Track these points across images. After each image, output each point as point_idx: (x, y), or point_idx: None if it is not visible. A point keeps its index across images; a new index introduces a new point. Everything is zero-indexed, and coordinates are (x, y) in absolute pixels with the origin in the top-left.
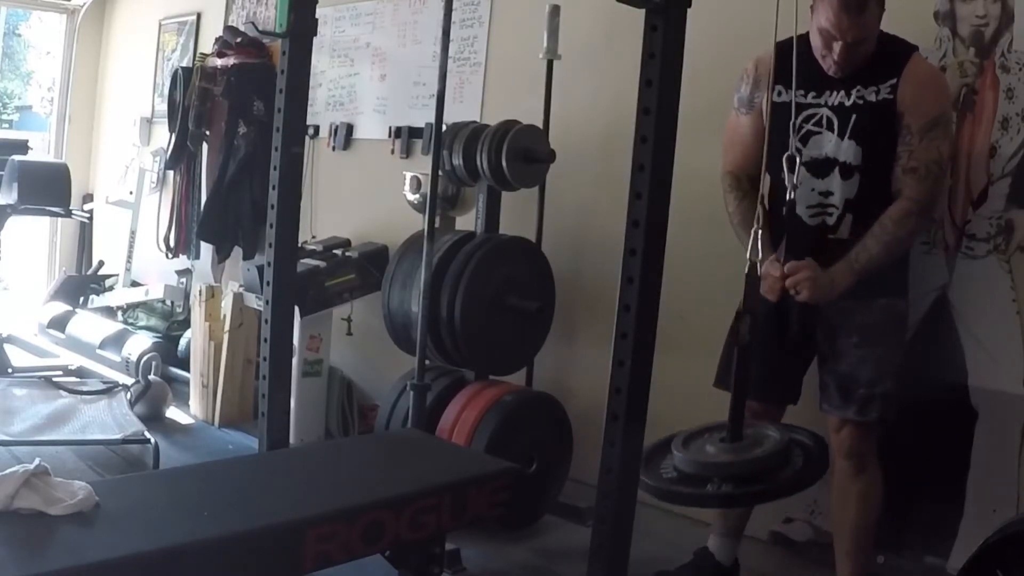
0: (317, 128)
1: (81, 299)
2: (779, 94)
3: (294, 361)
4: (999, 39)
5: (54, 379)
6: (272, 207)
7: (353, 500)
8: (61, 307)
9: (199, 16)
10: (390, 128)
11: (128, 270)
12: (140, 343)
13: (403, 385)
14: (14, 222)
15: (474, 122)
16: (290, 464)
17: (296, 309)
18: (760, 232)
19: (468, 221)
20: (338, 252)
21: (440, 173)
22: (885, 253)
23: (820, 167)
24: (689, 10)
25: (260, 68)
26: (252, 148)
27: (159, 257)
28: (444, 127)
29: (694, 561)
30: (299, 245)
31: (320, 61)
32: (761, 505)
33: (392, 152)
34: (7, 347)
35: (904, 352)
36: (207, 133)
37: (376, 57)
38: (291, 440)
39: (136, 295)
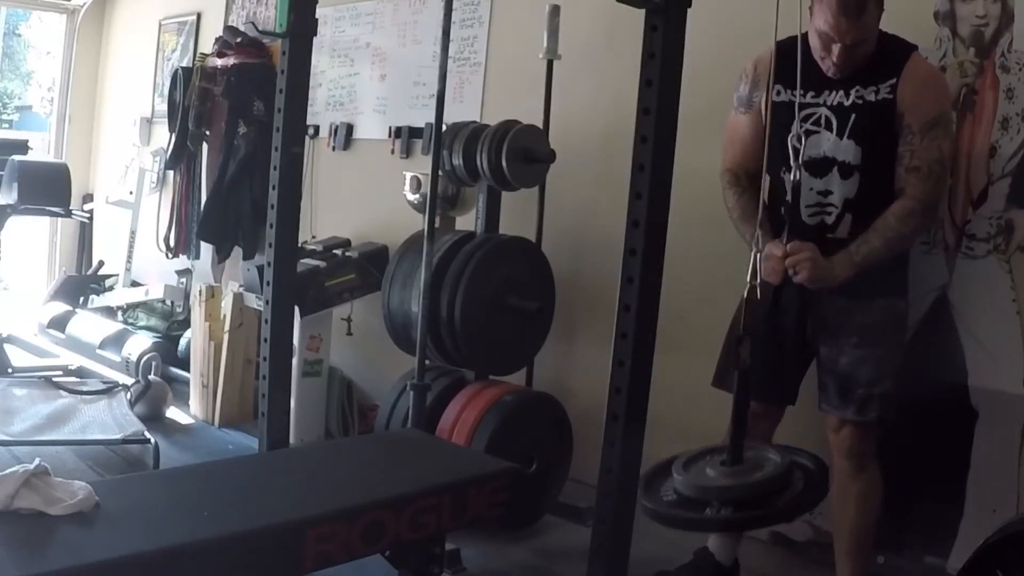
0: (317, 128)
1: (81, 299)
2: (778, 93)
3: (294, 361)
4: (999, 39)
5: (54, 379)
6: (272, 207)
7: (353, 500)
8: (61, 307)
9: (199, 16)
10: (390, 128)
11: (128, 270)
12: (140, 343)
13: (403, 385)
14: (14, 222)
15: (474, 122)
16: (290, 464)
17: (296, 309)
18: (759, 254)
19: (468, 221)
20: (338, 252)
21: (440, 173)
22: (886, 249)
23: (819, 166)
24: (689, 10)
25: (260, 68)
26: (252, 148)
27: (159, 257)
28: (444, 127)
29: (694, 561)
30: (299, 245)
31: (320, 61)
32: None
33: (392, 152)
34: (7, 347)
35: (904, 352)
36: (207, 133)
37: (376, 57)
38: (291, 440)
39: (136, 295)
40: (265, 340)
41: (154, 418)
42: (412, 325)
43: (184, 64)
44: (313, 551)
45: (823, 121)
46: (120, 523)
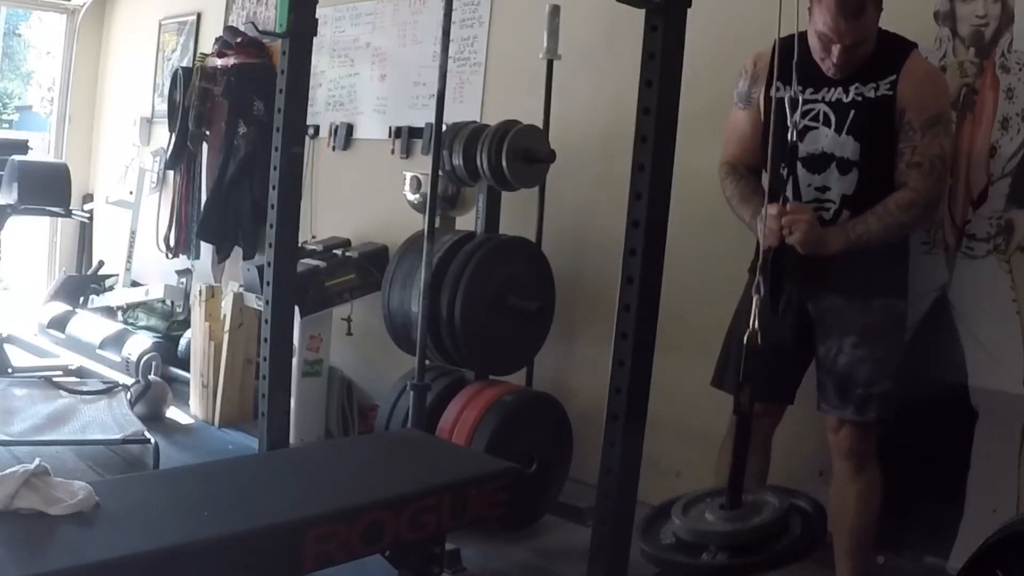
0: (317, 128)
1: (81, 299)
2: (777, 90)
3: (294, 361)
4: (999, 39)
5: (54, 379)
6: (272, 207)
7: (353, 500)
8: (61, 307)
9: (199, 16)
10: (390, 128)
11: (128, 270)
12: (140, 343)
13: (403, 385)
14: (14, 222)
15: (474, 122)
16: (290, 464)
17: (296, 309)
18: (759, 298)
19: (468, 221)
20: (338, 252)
21: (440, 173)
22: (882, 233)
23: (817, 162)
24: (689, 10)
25: (260, 68)
26: (252, 148)
27: (159, 257)
28: (444, 127)
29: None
30: (299, 245)
31: (320, 61)
32: None
33: (392, 152)
34: (7, 347)
35: (903, 352)
36: (207, 133)
37: (376, 57)
38: (291, 440)
39: (136, 295)
40: (265, 340)
41: (154, 418)
42: (412, 325)
43: (184, 64)
44: (313, 551)
45: (821, 117)
46: (120, 523)
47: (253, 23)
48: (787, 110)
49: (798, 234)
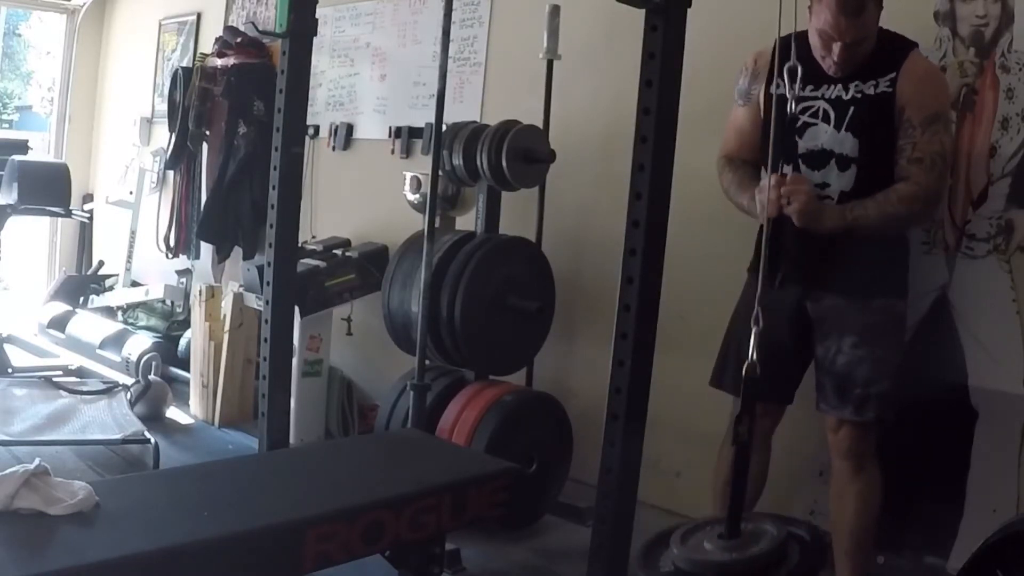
0: (317, 128)
1: (81, 299)
2: (777, 86)
3: (294, 361)
4: (999, 39)
5: (54, 379)
6: (272, 207)
7: (353, 500)
8: (61, 307)
9: (199, 16)
10: (390, 128)
11: (128, 270)
12: (140, 343)
13: (403, 385)
14: (14, 222)
15: (474, 122)
16: (290, 464)
17: (296, 309)
18: (758, 330)
19: (468, 221)
20: (338, 252)
21: (440, 173)
22: (879, 221)
23: (816, 159)
24: (689, 10)
25: (260, 68)
26: (252, 148)
27: (159, 257)
28: (444, 127)
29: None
30: (299, 245)
31: (320, 61)
32: (761, 505)
33: (392, 152)
34: (7, 347)
35: (903, 352)
36: (207, 133)
37: (376, 57)
38: (291, 440)
39: (136, 295)
40: (265, 340)
41: (154, 418)
42: (412, 325)
43: (184, 64)
44: (313, 551)
45: (821, 113)
46: (120, 523)
47: (253, 23)
48: (787, 81)
49: (796, 204)
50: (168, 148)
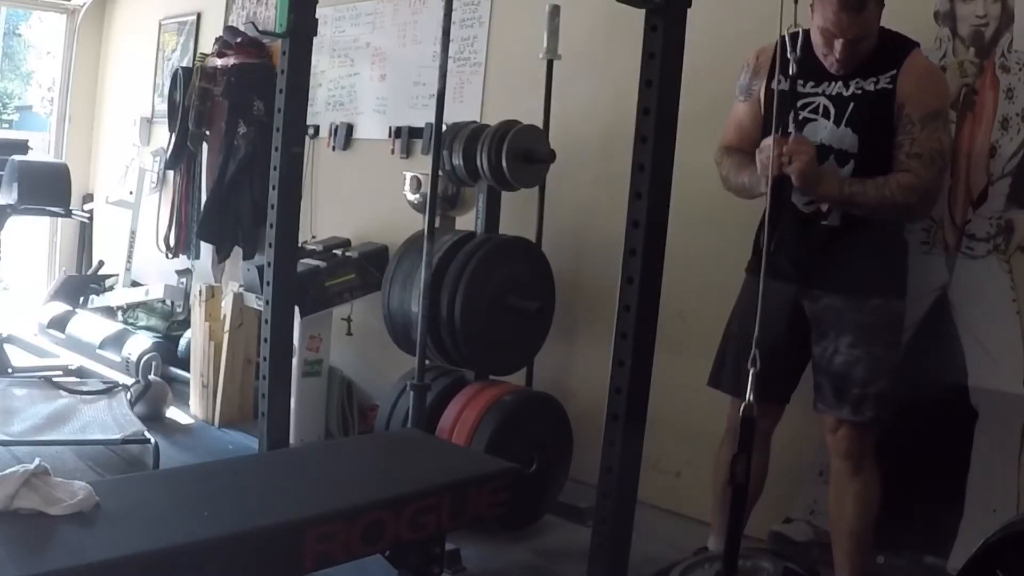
0: (317, 128)
1: (81, 299)
2: (779, 82)
3: (294, 361)
4: (999, 39)
5: (54, 379)
6: (272, 207)
7: (353, 500)
8: (61, 307)
9: (199, 16)
10: (390, 128)
11: (128, 270)
12: (140, 343)
13: (403, 385)
14: (14, 222)
15: (474, 122)
16: (290, 464)
17: (296, 309)
18: (755, 371)
19: (468, 221)
20: (338, 252)
21: (440, 173)
22: (875, 202)
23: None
24: (689, 10)
25: (260, 68)
26: (252, 148)
27: (159, 257)
28: (444, 127)
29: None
30: (299, 245)
31: (320, 61)
32: (761, 505)
33: (392, 152)
34: (7, 347)
35: (900, 352)
36: (207, 133)
37: (376, 57)
38: (291, 440)
39: (136, 295)
40: (265, 340)
41: (154, 418)
42: (412, 325)
43: (184, 64)
44: (313, 551)
45: (821, 110)
46: (120, 523)
47: (253, 23)
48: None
49: (797, 163)
50: (168, 148)
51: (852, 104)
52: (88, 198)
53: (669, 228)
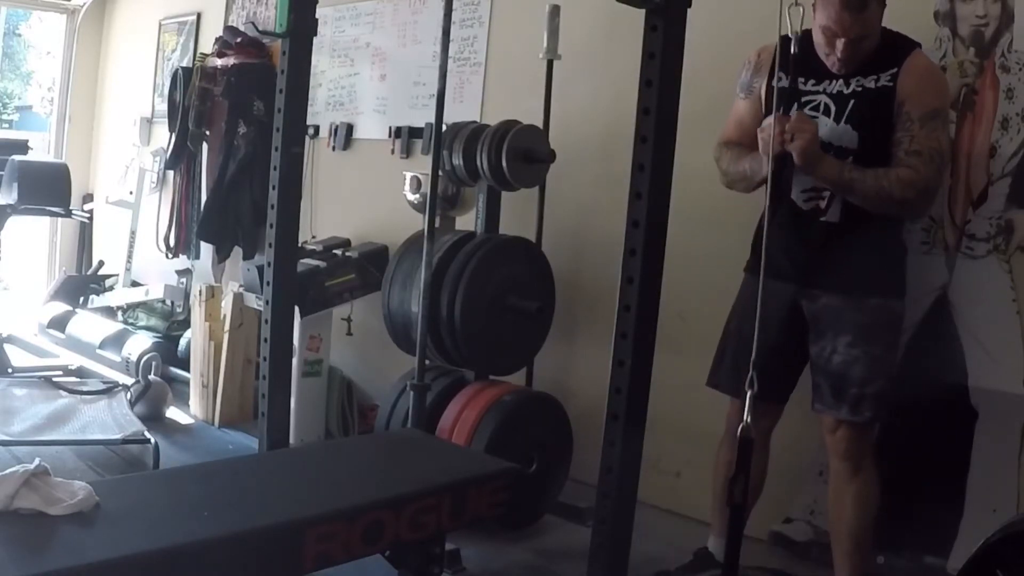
0: (317, 128)
1: (81, 299)
2: (779, 79)
3: (294, 361)
4: (999, 39)
5: (54, 379)
6: (272, 207)
7: (353, 500)
8: (61, 307)
9: (199, 16)
10: (390, 128)
11: (128, 270)
12: (140, 343)
13: (403, 385)
14: (14, 222)
15: (474, 122)
16: (290, 464)
17: (296, 309)
18: (752, 394)
19: (468, 221)
20: (338, 252)
21: (440, 173)
22: (872, 193)
23: None
24: (689, 10)
25: (260, 68)
26: (252, 148)
27: (159, 257)
28: (444, 127)
29: (694, 561)
30: (299, 245)
31: (320, 61)
32: (761, 505)
33: (392, 152)
34: (7, 347)
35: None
36: (207, 133)
37: (376, 57)
38: (291, 440)
39: (136, 295)
40: (265, 340)
41: (154, 418)
42: (412, 325)
43: (184, 64)
44: (313, 551)
45: (822, 107)
46: (120, 523)
47: (253, 23)
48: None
49: (799, 141)
50: (168, 148)
51: (852, 101)
52: (88, 198)
53: (669, 228)
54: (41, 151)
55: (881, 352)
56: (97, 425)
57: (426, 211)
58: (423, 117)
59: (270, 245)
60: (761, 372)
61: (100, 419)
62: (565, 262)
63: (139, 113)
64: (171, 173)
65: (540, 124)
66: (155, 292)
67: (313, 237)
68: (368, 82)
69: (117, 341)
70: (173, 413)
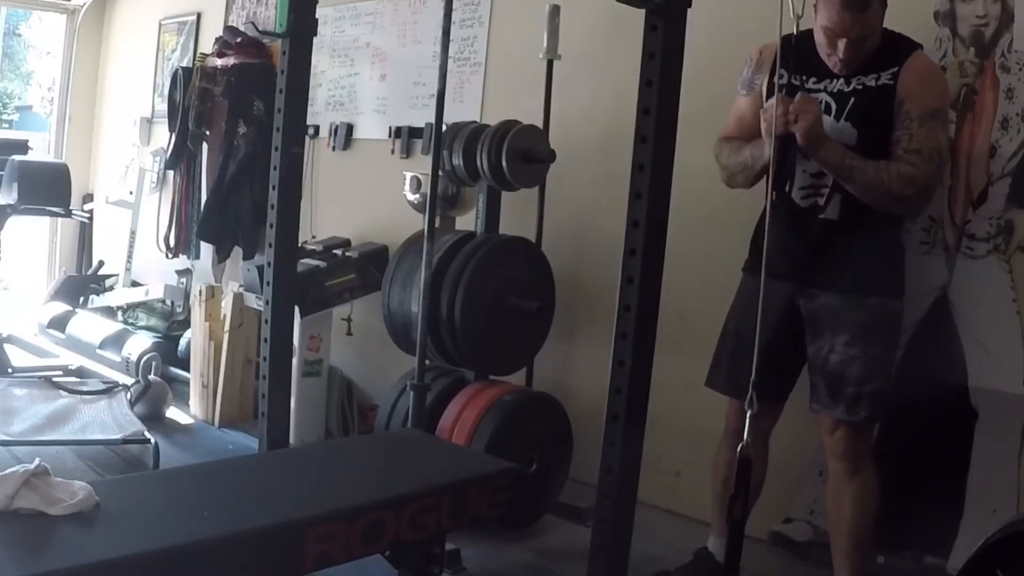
0: (317, 128)
1: (81, 299)
2: (781, 76)
3: (294, 361)
4: (999, 39)
5: (54, 379)
6: (272, 207)
7: (353, 500)
8: (61, 307)
9: (199, 16)
10: (390, 128)
11: (128, 270)
12: (140, 343)
13: (403, 385)
14: (14, 222)
15: (474, 122)
16: (290, 464)
17: (296, 309)
18: (752, 413)
19: (468, 221)
20: (338, 252)
21: (440, 173)
22: (872, 184)
23: None
24: (689, 10)
25: (260, 68)
26: (252, 148)
27: (159, 257)
28: (444, 127)
29: (694, 561)
30: (299, 245)
31: (320, 61)
32: (761, 505)
33: (392, 152)
34: (7, 347)
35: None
36: (207, 133)
37: (376, 57)
38: (291, 440)
39: (136, 295)
40: (265, 340)
41: (154, 418)
42: (412, 325)
43: (184, 64)
44: (313, 551)
45: (823, 106)
46: (120, 523)
47: (253, 23)
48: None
49: (803, 122)
50: (168, 148)
51: (853, 99)
52: (88, 198)
53: (669, 228)
54: (41, 151)
55: (879, 352)
56: (97, 425)
57: (426, 211)
58: (423, 117)
59: (270, 245)
60: (759, 372)
61: (100, 419)
62: (565, 262)
63: (139, 113)
64: (171, 173)
65: (540, 124)
66: (155, 292)
67: (313, 237)
68: (368, 82)
69: (117, 341)
70: (173, 413)
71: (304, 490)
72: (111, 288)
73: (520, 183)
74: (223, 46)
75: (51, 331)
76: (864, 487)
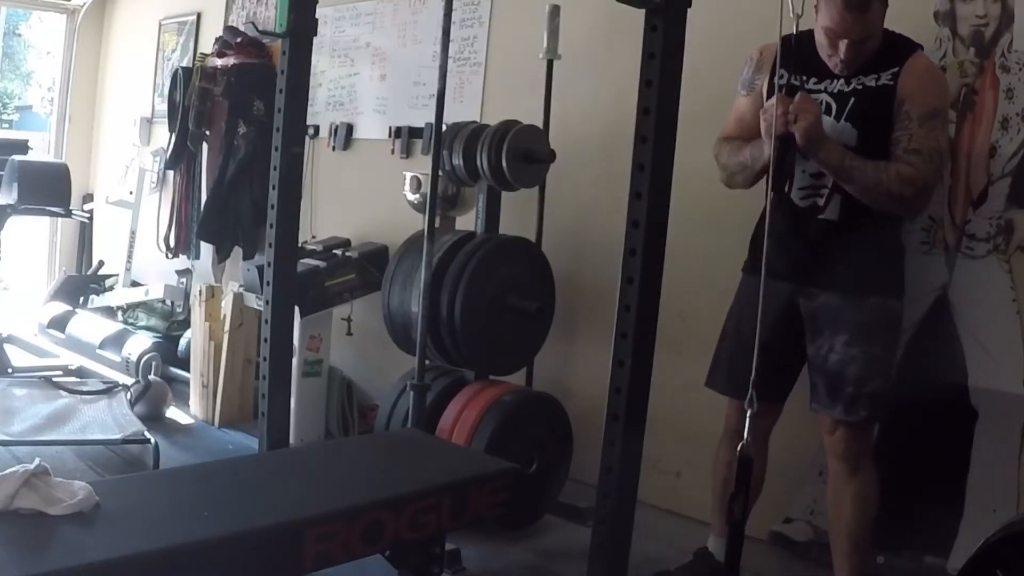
0: (317, 128)
1: (81, 299)
2: (782, 77)
3: (294, 361)
4: (999, 39)
5: (54, 379)
6: (272, 207)
7: (353, 500)
8: (61, 307)
9: (199, 16)
10: (390, 128)
11: (128, 270)
12: (140, 343)
13: (403, 385)
14: (14, 222)
15: (474, 122)
16: (290, 464)
17: (296, 309)
18: (752, 416)
19: (468, 221)
20: (338, 252)
21: (440, 173)
22: (871, 185)
23: None
24: (689, 10)
25: (260, 68)
26: (252, 148)
27: (159, 257)
28: (444, 127)
29: (694, 561)
30: (299, 245)
31: (320, 61)
32: (761, 505)
33: (392, 152)
34: (7, 347)
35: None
36: (207, 133)
37: (376, 57)
38: (291, 440)
39: (136, 295)
40: (265, 340)
41: (154, 418)
42: (412, 325)
43: (184, 64)
44: (313, 551)
45: (823, 106)
46: (120, 523)
47: (253, 23)
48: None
49: (803, 122)
50: (168, 148)
51: (853, 99)
52: (88, 198)
53: (669, 228)
54: (41, 151)
55: (879, 352)
56: (97, 425)
57: (426, 211)
58: (423, 117)
59: (270, 245)
60: (759, 372)
61: (100, 419)
62: (565, 262)
63: (139, 113)
64: (171, 173)
65: (540, 124)
66: (155, 292)
67: (313, 237)
68: (368, 82)
69: (117, 341)
70: (173, 413)
71: (304, 490)
72: (111, 288)
73: (520, 183)
74: (223, 46)
75: (51, 331)
76: (864, 487)
